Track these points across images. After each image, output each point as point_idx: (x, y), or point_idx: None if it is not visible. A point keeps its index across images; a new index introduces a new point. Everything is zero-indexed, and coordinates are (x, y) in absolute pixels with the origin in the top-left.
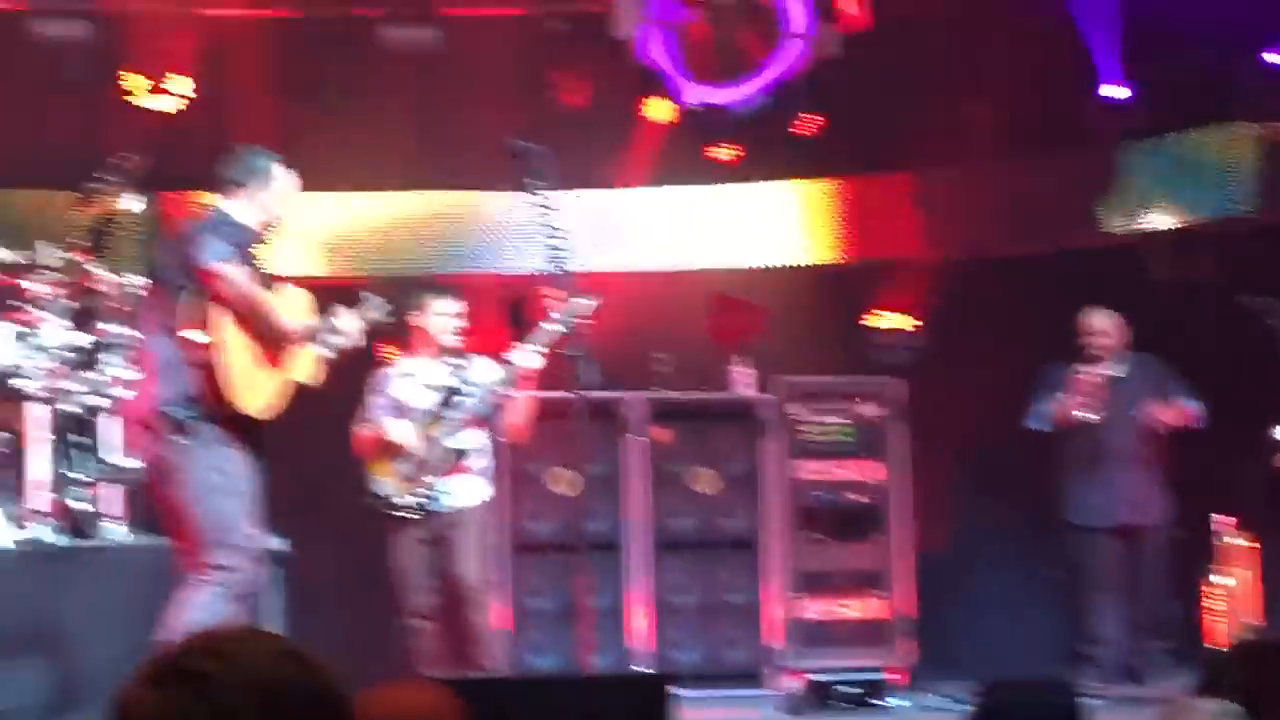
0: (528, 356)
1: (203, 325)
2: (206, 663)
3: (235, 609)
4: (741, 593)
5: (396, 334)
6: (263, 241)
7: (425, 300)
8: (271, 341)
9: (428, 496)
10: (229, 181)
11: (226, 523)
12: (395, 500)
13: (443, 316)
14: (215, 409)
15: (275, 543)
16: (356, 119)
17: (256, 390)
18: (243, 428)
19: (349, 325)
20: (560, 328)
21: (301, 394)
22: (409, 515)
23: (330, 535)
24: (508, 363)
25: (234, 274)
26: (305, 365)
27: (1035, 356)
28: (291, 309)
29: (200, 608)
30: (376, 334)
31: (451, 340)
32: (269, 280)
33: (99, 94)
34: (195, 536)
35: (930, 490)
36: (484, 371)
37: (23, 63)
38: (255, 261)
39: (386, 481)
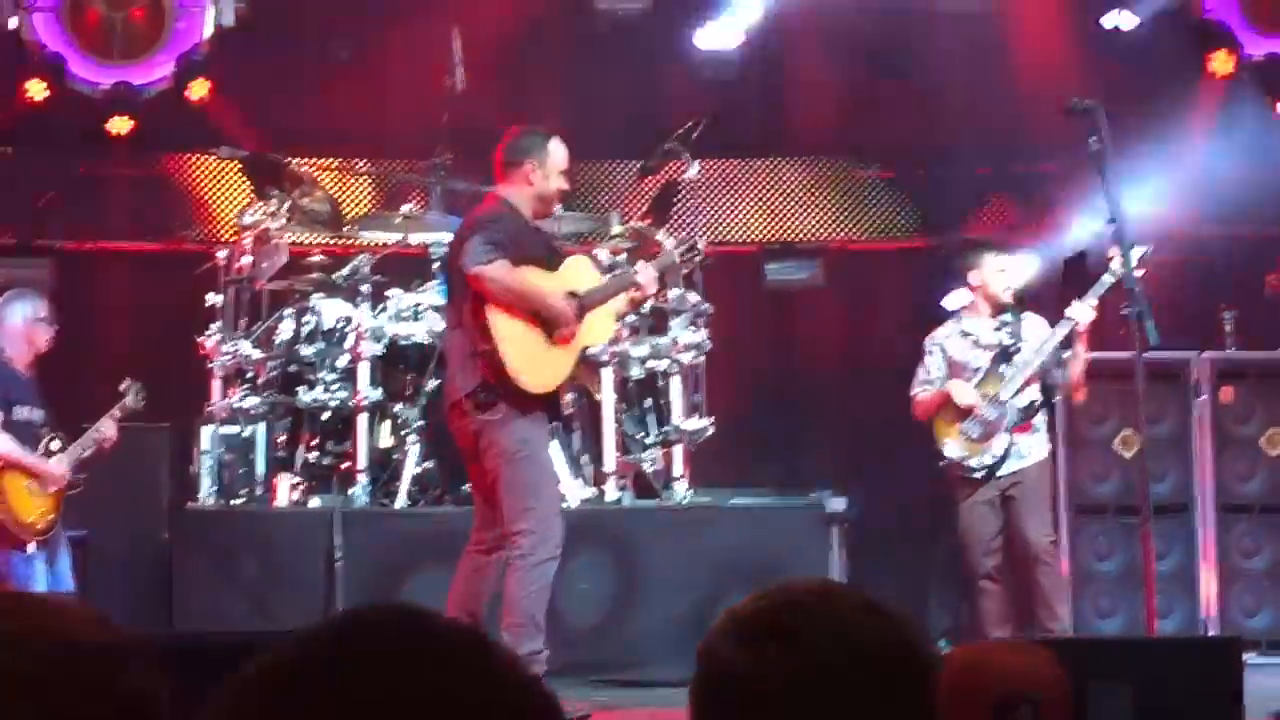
0: (1083, 311)
1: (481, 319)
2: (794, 618)
3: (539, 572)
4: None
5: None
6: (545, 215)
7: (983, 257)
8: (550, 321)
9: (997, 457)
10: (505, 163)
11: (528, 491)
12: (967, 463)
13: (1001, 273)
14: (504, 392)
15: (835, 503)
16: (912, 83)
17: (540, 370)
18: (538, 403)
19: (647, 277)
20: (1113, 278)
21: (860, 358)
22: (978, 477)
23: (888, 493)
24: (1066, 319)
25: (493, 272)
26: (601, 329)
27: None
28: (578, 277)
29: (521, 584)
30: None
31: (1008, 296)
32: (555, 254)
33: (658, 65)
34: (505, 507)
35: None
36: (1035, 328)
37: (585, 37)
38: (531, 243)
39: (954, 444)
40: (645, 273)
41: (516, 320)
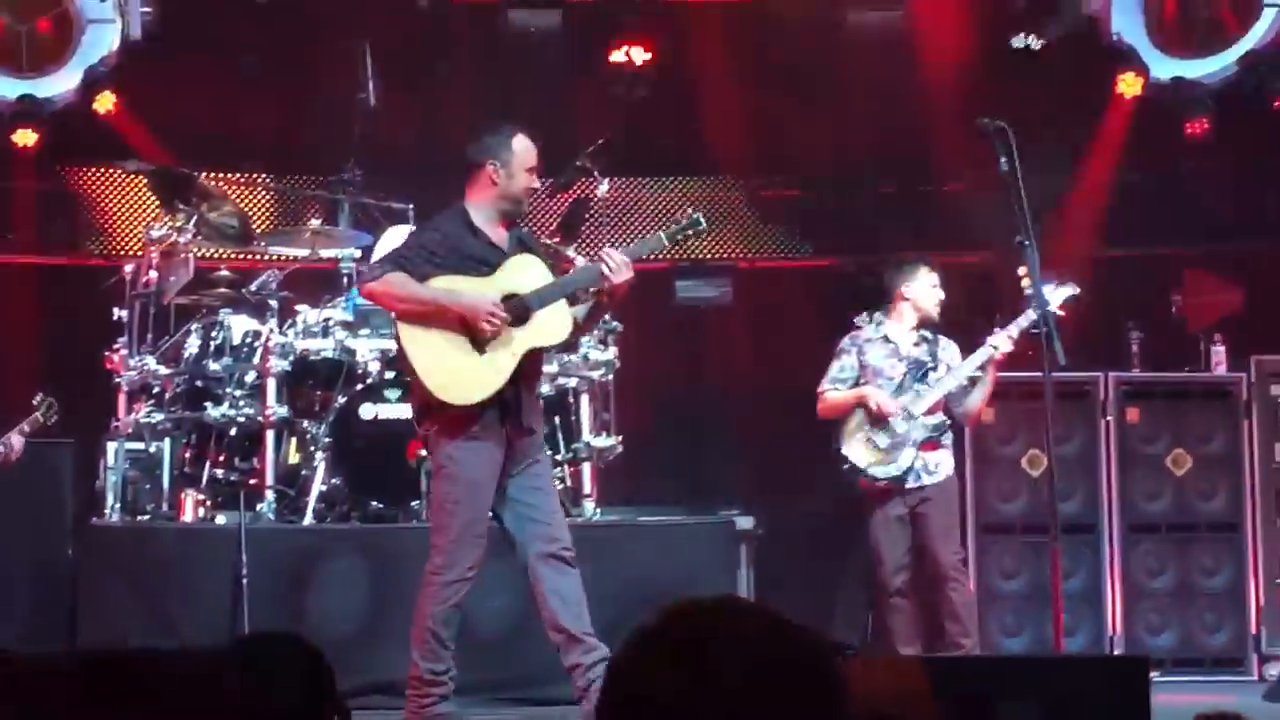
0: (1004, 341)
1: (396, 336)
2: (699, 631)
3: (462, 598)
4: (1220, 577)
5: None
6: (517, 215)
7: (918, 271)
8: (468, 323)
9: (903, 469)
10: (468, 162)
11: (444, 509)
12: (871, 471)
13: (934, 289)
14: (431, 408)
15: (743, 520)
16: (821, 103)
17: (465, 382)
18: (471, 417)
19: (615, 264)
20: (1036, 315)
21: (769, 376)
22: (884, 486)
23: (796, 510)
24: (987, 346)
25: (378, 287)
26: (554, 328)
27: None
28: (521, 278)
29: (428, 600)
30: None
31: (935, 312)
32: (498, 260)
33: (568, 82)
34: (431, 520)
35: None
36: (951, 351)
37: (496, 53)
38: (466, 252)
39: (859, 450)
40: (613, 259)
41: (432, 332)
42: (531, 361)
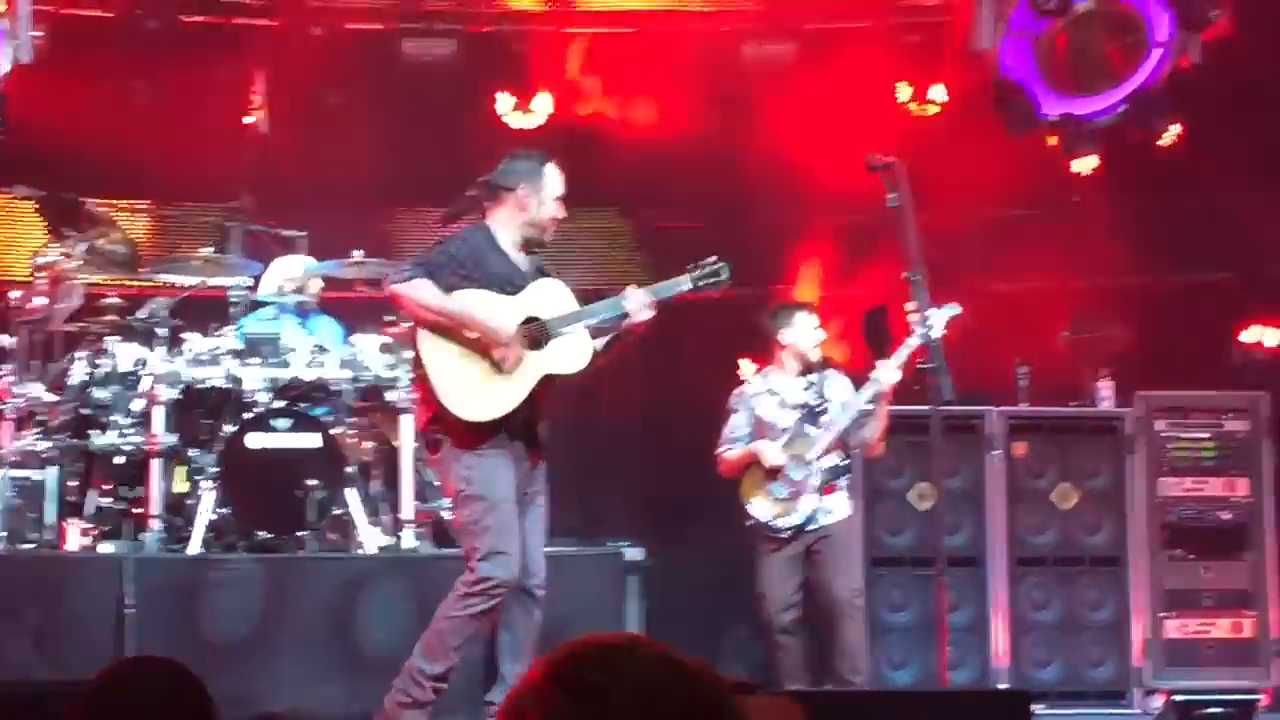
0: (889, 373)
1: (413, 342)
2: (592, 672)
3: (483, 612)
4: (1104, 610)
5: (756, 349)
6: (539, 243)
7: (795, 315)
8: (491, 345)
9: (805, 517)
10: (496, 187)
11: (469, 531)
12: (774, 524)
13: (814, 331)
14: (444, 423)
15: (633, 552)
16: (718, 135)
17: (477, 397)
18: (482, 435)
19: (636, 303)
20: (921, 340)
21: (662, 408)
22: (785, 537)
23: (687, 545)
24: (872, 380)
25: (406, 289)
26: (572, 356)
27: None
28: (545, 302)
29: (448, 605)
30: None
31: (817, 355)
32: (521, 282)
33: (463, 112)
34: (462, 542)
35: None
36: (839, 386)
37: (389, 82)
38: (493, 269)
39: (761, 505)
40: (635, 299)
41: (451, 344)
42: (546, 387)
